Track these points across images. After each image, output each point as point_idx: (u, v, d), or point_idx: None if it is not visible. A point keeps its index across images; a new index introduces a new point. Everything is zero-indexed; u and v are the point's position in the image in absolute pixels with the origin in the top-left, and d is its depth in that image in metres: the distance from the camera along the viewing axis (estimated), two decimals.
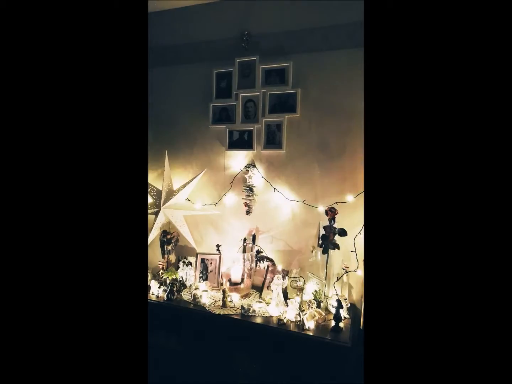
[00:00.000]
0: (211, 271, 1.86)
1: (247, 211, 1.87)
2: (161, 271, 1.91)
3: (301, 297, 1.58)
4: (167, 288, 1.73)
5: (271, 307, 1.57)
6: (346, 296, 1.63)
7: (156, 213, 1.95)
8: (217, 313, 1.55)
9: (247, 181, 1.86)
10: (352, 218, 1.62)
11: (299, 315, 1.47)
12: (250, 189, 1.84)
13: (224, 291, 1.63)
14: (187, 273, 1.86)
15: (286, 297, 1.64)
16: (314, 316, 1.48)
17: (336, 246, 1.56)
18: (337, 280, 1.59)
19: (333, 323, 1.43)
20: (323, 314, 1.53)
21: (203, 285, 1.78)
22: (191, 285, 1.84)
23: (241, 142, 1.92)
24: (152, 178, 2.16)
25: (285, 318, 1.47)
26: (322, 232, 1.60)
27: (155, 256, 2.07)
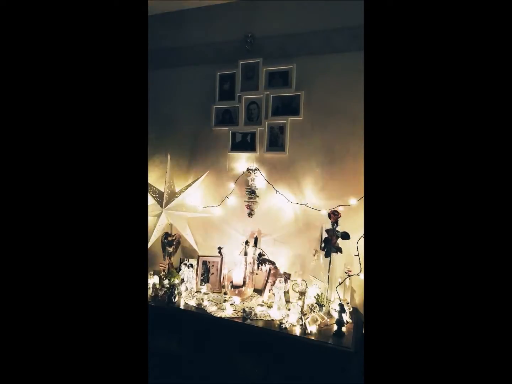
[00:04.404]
0: (212, 274, 1.85)
1: (249, 214, 1.86)
2: (163, 273, 1.90)
3: (303, 301, 1.56)
4: (168, 291, 1.72)
5: (273, 310, 1.56)
6: (349, 300, 1.62)
7: (158, 215, 1.94)
8: (218, 316, 1.54)
9: (250, 184, 1.86)
10: (355, 221, 1.61)
11: (301, 319, 1.45)
12: (252, 192, 1.84)
13: (225, 294, 1.62)
14: (189, 276, 1.85)
15: (288, 300, 1.62)
16: (316, 320, 1.46)
17: (338, 250, 1.54)
18: (340, 284, 1.58)
19: (335, 327, 1.41)
20: (325, 318, 1.51)
21: (204, 288, 1.77)
22: (192, 288, 1.83)
23: (243, 144, 1.92)
24: (154, 180, 2.16)
25: (287, 321, 1.46)
26: (325, 235, 1.59)
27: (156, 258, 2.06)
